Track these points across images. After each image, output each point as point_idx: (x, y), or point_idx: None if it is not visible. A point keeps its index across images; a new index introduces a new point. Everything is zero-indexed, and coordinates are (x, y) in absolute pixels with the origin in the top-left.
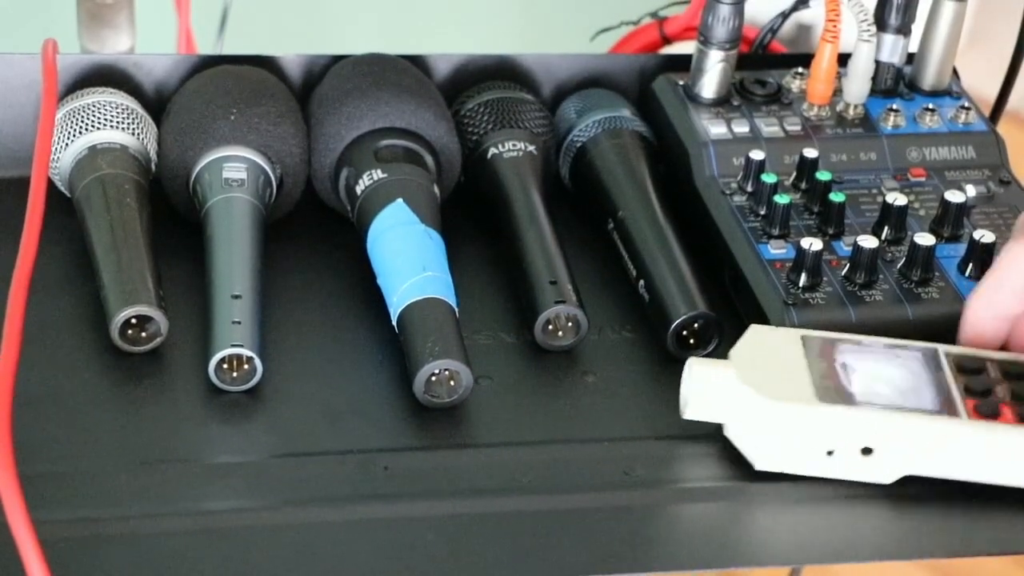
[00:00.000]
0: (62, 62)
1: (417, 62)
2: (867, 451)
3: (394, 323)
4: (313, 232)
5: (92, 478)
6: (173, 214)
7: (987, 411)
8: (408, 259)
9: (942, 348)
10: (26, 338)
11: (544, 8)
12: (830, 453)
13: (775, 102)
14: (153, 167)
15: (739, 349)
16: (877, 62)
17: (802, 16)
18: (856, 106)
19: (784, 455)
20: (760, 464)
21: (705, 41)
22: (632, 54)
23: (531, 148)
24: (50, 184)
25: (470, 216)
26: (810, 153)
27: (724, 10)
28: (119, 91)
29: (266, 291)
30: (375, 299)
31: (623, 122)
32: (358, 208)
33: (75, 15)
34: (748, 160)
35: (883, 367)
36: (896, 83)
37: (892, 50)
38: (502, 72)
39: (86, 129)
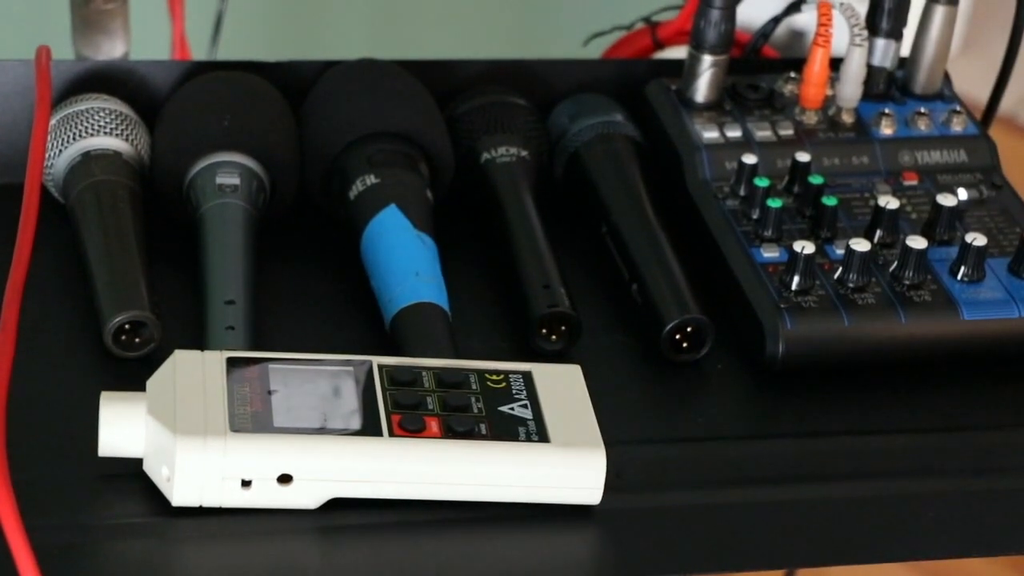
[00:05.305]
0: (56, 68)
1: (410, 67)
2: (285, 479)
3: (387, 328)
4: (306, 237)
5: (87, 484)
6: (167, 220)
7: (411, 426)
8: (401, 264)
9: (376, 361)
10: (20, 344)
11: (537, 13)
12: (246, 484)
13: (767, 106)
14: (147, 173)
15: (157, 377)
16: (869, 66)
17: (794, 21)
18: (848, 110)
19: (199, 489)
20: (176, 499)
21: (697, 46)
22: (625, 59)
23: (524, 153)
24: (44, 190)
25: (463, 221)
26: (802, 157)
27: (716, 15)
28: (113, 97)
29: (259, 296)
30: (369, 304)
31: (616, 127)
32: (351, 213)
33: (69, 21)
34: (741, 164)
35: (311, 387)
36: (888, 87)
37: (884, 54)
38: (495, 77)
39: (80, 135)
